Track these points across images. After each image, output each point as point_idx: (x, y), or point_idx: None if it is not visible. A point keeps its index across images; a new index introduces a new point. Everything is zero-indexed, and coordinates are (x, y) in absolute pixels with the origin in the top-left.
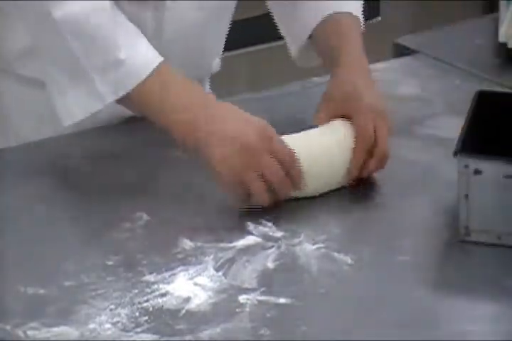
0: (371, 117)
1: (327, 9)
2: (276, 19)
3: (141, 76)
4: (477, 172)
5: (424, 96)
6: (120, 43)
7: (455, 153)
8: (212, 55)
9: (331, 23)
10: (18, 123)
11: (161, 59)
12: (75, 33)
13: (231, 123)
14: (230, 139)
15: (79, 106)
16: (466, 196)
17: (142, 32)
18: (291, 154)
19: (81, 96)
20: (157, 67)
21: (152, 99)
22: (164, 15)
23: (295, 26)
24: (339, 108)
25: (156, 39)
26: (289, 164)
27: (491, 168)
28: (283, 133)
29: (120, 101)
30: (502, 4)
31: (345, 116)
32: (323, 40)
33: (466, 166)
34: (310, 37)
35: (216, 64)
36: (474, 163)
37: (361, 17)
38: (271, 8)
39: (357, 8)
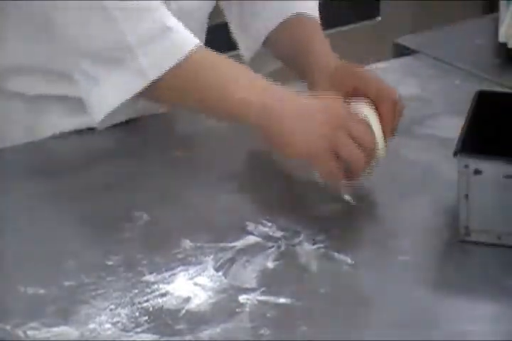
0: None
1: (285, 11)
2: (230, 21)
3: (191, 45)
4: (477, 172)
5: (424, 96)
6: (166, 12)
7: (455, 153)
8: None
9: (292, 25)
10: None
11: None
12: (120, 4)
13: (306, 100)
14: (313, 112)
15: (117, 90)
16: (466, 196)
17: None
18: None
19: (120, 79)
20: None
21: (203, 73)
22: None
23: (250, 29)
24: (343, 84)
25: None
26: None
27: (491, 168)
28: None
29: (155, 85)
30: (502, 4)
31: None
32: (286, 43)
33: (466, 166)
34: (265, 41)
35: None
36: (474, 163)
37: (317, 16)
38: (224, 10)
39: (313, 8)
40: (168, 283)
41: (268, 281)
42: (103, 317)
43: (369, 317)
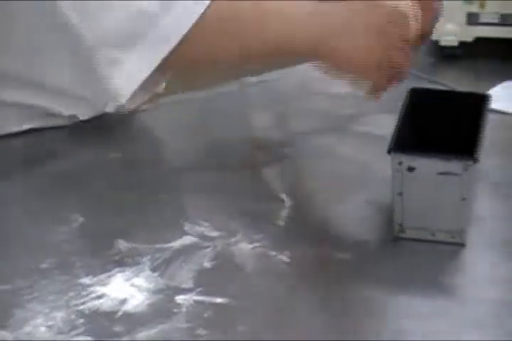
0: None
1: None
2: None
3: None
4: (411, 169)
5: (359, 94)
6: None
7: (389, 151)
8: None
9: None
10: None
11: None
12: None
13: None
14: (358, 20)
15: (143, 62)
16: (401, 193)
17: None
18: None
19: (144, 50)
20: None
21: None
22: None
23: None
24: None
25: None
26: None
27: (425, 165)
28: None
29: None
30: None
31: None
32: None
33: (400, 163)
34: None
35: None
36: (408, 160)
37: None
38: None
39: None
40: (104, 285)
41: (205, 281)
42: (38, 321)
43: (306, 316)
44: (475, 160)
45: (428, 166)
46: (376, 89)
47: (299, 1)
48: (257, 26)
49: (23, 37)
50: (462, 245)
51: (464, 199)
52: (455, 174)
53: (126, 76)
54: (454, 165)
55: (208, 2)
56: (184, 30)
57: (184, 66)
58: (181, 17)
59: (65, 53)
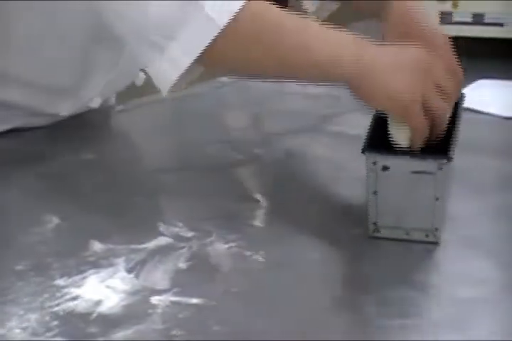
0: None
1: None
2: None
3: None
4: (385, 168)
5: (333, 93)
6: None
7: (363, 150)
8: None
9: None
10: None
11: None
12: None
13: (392, 50)
14: (404, 63)
15: (191, 44)
16: (375, 192)
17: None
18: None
19: (190, 34)
20: None
21: (273, 20)
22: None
23: None
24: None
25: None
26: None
27: (399, 164)
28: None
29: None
30: None
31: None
32: None
33: (374, 163)
34: None
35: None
36: (382, 160)
37: None
38: None
39: None
40: (79, 286)
41: (180, 282)
42: (13, 323)
43: (280, 316)
44: (449, 159)
45: (402, 165)
46: (418, 132)
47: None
48: (299, 44)
49: (19, 37)
50: (436, 243)
51: (437, 198)
52: (429, 173)
53: (171, 62)
54: (428, 164)
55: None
56: (230, 15)
57: (221, 61)
58: (225, 4)
59: (60, 50)
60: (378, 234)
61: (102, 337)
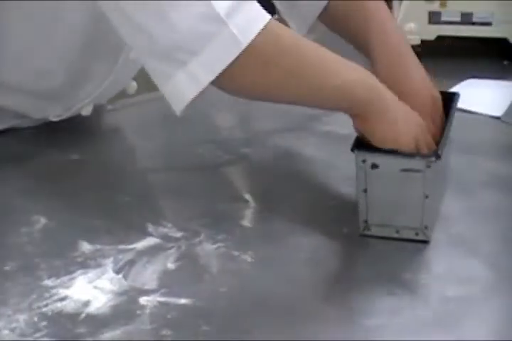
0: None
1: None
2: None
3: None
4: (374, 166)
5: None
6: None
7: (352, 149)
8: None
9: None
10: None
11: None
12: None
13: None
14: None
15: (211, 63)
16: (365, 190)
17: None
18: None
19: (211, 53)
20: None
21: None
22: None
23: (300, 9)
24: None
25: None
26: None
27: (388, 162)
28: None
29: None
30: (395, 3)
31: None
32: (342, 21)
33: (364, 161)
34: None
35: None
36: (371, 158)
37: None
38: None
39: None
40: (68, 287)
41: (169, 282)
42: (1, 324)
43: (269, 316)
44: (437, 157)
45: (391, 163)
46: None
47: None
48: (319, 67)
49: (14, 46)
50: (427, 242)
51: (426, 196)
52: (418, 171)
53: (191, 79)
54: (417, 162)
55: (268, 18)
56: (253, 34)
57: (240, 82)
58: (248, 23)
59: (52, 60)
60: (369, 232)
61: (90, 337)
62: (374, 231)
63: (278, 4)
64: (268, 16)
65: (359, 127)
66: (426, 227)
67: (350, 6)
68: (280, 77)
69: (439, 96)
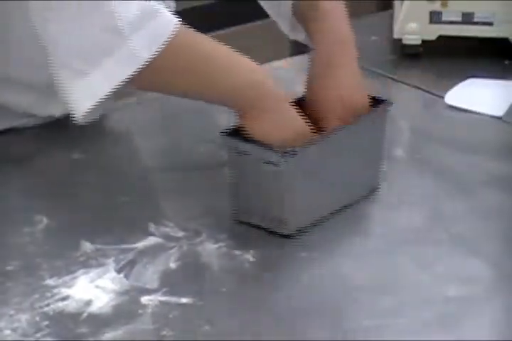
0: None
1: None
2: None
3: (176, 24)
4: (240, 154)
5: None
6: None
7: (220, 134)
8: None
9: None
10: None
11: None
12: None
13: (288, 122)
14: (283, 137)
15: (110, 76)
16: (234, 177)
17: None
18: None
19: (111, 66)
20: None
21: (192, 52)
22: None
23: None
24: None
25: None
26: None
27: (252, 152)
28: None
29: (146, 69)
30: (396, 3)
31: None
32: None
33: (230, 148)
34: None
35: None
36: (235, 145)
37: None
38: None
39: None
40: (69, 286)
41: (170, 282)
42: (2, 323)
43: (271, 315)
44: (292, 153)
45: (255, 154)
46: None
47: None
48: (222, 71)
49: (17, 39)
50: (289, 237)
51: (285, 190)
52: (276, 164)
53: (90, 90)
54: (273, 155)
55: (173, 31)
56: (153, 50)
57: (147, 87)
58: (150, 39)
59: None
60: (238, 219)
61: (92, 337)
62: (242, 217)
63: (263, 4)
64: (173, 25)
65: (239, 121)
66: (285, 221)
67: (306, 5)
68: (184, 85)
69: (363, 102)
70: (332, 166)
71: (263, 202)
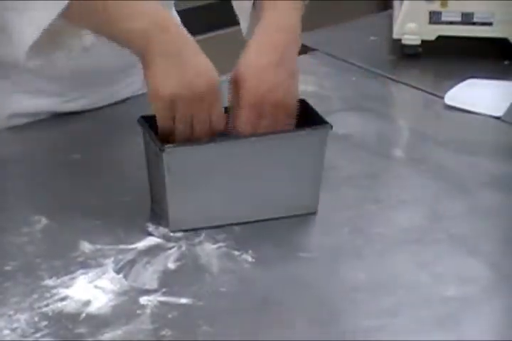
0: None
1: None
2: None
3: None
4: (146, 144)
5: (322, 93)
6: None
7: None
8: None
9: None
10: None
11: None
12: None
13: (187, 64)
14: (180, 81)
15: (46, 10)
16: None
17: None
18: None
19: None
20: None
21: None
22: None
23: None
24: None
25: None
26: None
27: (150, 144)
28: None
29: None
30: (396, 2)
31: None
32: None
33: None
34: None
35: None
36: (144, 136)
37: None
38: None
39: None
40: (68, 286)
41: (169, 282)
42: (1, 324)
43: (269, 316)
44: (160, 149)
45: (150, 145)
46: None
47: None
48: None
49: None
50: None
51: (165, 182)
52: (156, 154)
53: (29, 22)
54: (154, 146)
55: None
56: None
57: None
58: None
59: None
60: (152, 206)
61: (91, 337)
62: (153, 206)
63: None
64: None
65: (144, 77)
66: (167, 216)
67: None
68: (93, 26)
69: (288, 103)
70: (238, 173)
71: (156, 193)
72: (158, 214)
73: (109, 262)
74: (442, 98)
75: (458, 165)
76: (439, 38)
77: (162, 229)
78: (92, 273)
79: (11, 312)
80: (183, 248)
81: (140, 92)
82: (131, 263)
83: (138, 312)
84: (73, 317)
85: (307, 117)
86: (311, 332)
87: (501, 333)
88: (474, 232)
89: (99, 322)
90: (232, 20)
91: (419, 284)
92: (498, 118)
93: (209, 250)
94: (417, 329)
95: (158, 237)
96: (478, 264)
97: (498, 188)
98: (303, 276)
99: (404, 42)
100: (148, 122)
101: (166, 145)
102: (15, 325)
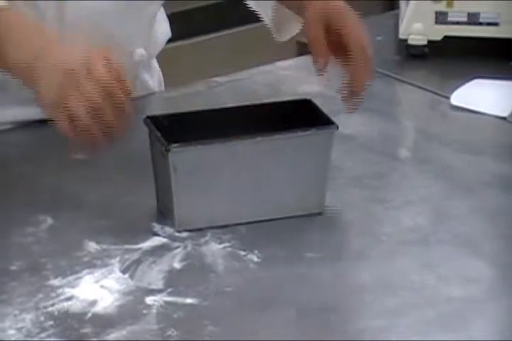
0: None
1: None
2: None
3: None
4: (152, 144)
5: (327, 93)
6: None
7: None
8: (132, 45)
9: None
10: None
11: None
12: None
13: (57, 50)
14: (54, 65)
15: None
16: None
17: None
18: (116, 76)
19: None
20: None
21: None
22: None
23: None
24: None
25: (58, 22)
26: (110, 89)
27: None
28: None
29: None
30: (402, 2)
31: None
32: None
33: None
34: None
35: (139, 54)
36: (150, 136)
37: None
38: None
39: None
40: (74, 286)
41: (175, 282)
42: (7, 323)
43: (275, 316)
44: (166, 149)
45: (156, 144)
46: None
47: None
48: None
49: None
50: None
51: (174, 182)
52: (163, 155)
53: None
54: (160, 147)
55: None
56: None
57: None
58: None
59: None
60: (158, 206)
61: (96, 337)
62: (159, 206)
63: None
64: None
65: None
66: (172, 215)
67: None
68: None
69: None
70: (244, 173)
71: (161, 192)
72: (163, 214)
73: (115, 262)
74: (448, 98)
75: (464, 165)
76: (445, 38)
77: (168, 229)
78: (97, 273)
79: (17, 312)
80: (189, 248)
81: (143, 93)
82: (137, 263)
83: (144, 312)
84: (79, 317)
85: (313, 117)
86: (317, 333)
87: (506, 333)
88: (479, 233)
89: (104, 322)
90: (239, 20)
91: (424, 285)
92: (504, 118)
93: (215, 250)
94: (423, 329)
95: (164, 237)
96: (483, 265)
97: (504, 189)
98: (309, 276)
99: (410, 42)
100: (154, 122)
101: (172, 145)
102: (20, 325)
